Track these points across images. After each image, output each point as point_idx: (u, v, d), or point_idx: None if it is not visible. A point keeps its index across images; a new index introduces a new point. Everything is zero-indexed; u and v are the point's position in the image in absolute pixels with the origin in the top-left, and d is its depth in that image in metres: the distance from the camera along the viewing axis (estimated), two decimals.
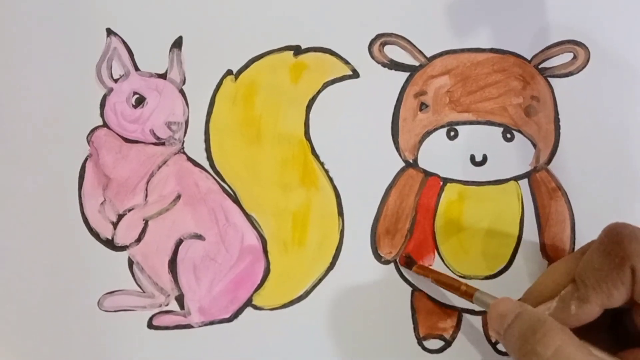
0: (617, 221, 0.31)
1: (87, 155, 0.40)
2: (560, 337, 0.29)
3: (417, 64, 0.40)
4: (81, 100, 0.40)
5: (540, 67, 0.40)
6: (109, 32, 0.40)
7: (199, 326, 0.39)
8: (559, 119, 0.39)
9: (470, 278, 0.39)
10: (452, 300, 0.39)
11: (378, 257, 0.39)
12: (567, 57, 0.39)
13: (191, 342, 0.39)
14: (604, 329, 0.33)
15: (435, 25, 0.40)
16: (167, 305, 0.39)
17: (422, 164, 0.39)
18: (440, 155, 0.39)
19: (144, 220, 0.39)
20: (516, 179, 0.39)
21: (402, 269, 0.39)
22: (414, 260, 0.39)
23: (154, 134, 0.40)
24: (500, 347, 0.39)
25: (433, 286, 0.39)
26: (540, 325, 0.30)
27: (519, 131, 0.39)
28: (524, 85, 0.39)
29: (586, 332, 0.31)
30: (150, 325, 0.39)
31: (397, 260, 0.39)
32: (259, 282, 0.39)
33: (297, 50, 0.40)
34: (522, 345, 0.30)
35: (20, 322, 0.39)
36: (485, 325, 0.39)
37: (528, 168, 0.39)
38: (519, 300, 0.33)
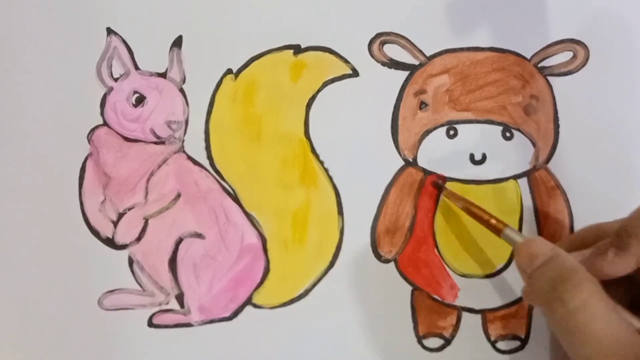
0: None
1: (88, 154, 0.40)
2: (589, 289, 0.28)
3: (416, 62, 0.40)
4: (81, 99, 0.40)
5: (539, 65, 0.40)
6: (109, 31, 0.40)
7: (199, 325, 0.39)
8: (558, 117, 0.39)
9: (469, 277, 0.39)
10: (452, 299, 0.39)
11: (378, 255, 0.39)
12: (566, 55, 0.40)
13: (191, 341, 0.39)
14: (628, 293, 0.32)
15: (435, 24, 0.40)
16: (167, 303, 0.39)
17: (421, 162, 0.39)
18: (439, 154, 0.39)
19: (144, 219, 0.40)
20: (515, 177, 0.39)
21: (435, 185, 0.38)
22: (443, 185, 0.38)
23: (154, 133, 0.40)
24: (499, 345, 0.39)
25: (432, 285, 0.39)
26: (572, 274, 0.29)
27: (519, 130, 0.39)
28: (523, 84, 0.39)
29: (612, 292, 0.30)
30: (150, 324, 0.39)
31: (432, 182, 0.38)
32: (258, 280, 0.39)
33: (297, 49, 0.40)
34: (549, 291, 0.29)
35: (21, 321, 0.39)
36: (485, 324, 0.39)
37: (527, 167, 0.39)
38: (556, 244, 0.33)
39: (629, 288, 0.32)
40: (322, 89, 0.40)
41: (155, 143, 0.40)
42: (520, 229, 0.39)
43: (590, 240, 0.32)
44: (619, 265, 0.30)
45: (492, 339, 0.39)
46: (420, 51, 0.40)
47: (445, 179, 0.39)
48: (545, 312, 0.30)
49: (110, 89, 0.40)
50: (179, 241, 0.39)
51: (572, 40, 0.40)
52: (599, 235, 0.33)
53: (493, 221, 0.35)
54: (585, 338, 0.28)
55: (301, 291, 0.39)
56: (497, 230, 0.35)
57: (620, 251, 0.30)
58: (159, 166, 0.40)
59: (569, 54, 0.40)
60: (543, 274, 0.30)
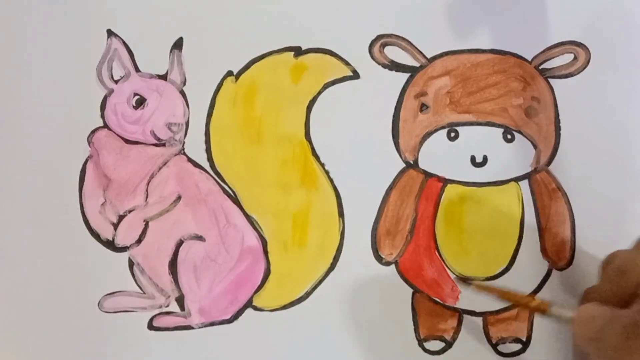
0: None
1: (88, 156, 0.40)
2: None
3: (417, 64, 0.40)
4: (82, 101, 0.40)
5: (540, 67, 0.39)
6: (110, 33, 0.40)
7: (199, 327, 0.39)
8: (559, 120, 0.39)
9: (471, 279, 0.39)
10: (453, 301, 0.39)
11: (379, 258, 0.39)
12: (567, 57, 0.39)
13: (191, 343, 0.39)
14: None
15: (436, 26, 0.40)
16: (167, 306, 0.39)
17: (422, 164, 0.39)
18: (440, 156, 0.39)
19: (144, 221, 0.39)
20: (516, 180, 0.39)
21: (460, 285, 0.39)
22: (467, 278, 0.39)
23: (155, 135, 0.40)
24: (500, 348, 0.39)
25: (433, 288, 0.39)
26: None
27: (520, 132, 0.39)
28: (524, 86, 0.39)
29: None
30: (150, 327, 0.39)
31: (455, 279, 0.39)
32: (259, 283, 0.39)
33: (298, 51, 0.40)
34: (627, 340, 0.29)
35: (21, 322, 0.39)
36: (486, 326, 0.39)
37: (528, 169, 0.39)
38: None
39: None
40: (322, 91, 0.40)
41: (156, 145, 0.40)
42: (521, 232, 0.39)
43: (615, 297, 0.32)
44: None
45: (494, 341, 0.39)
46: (421, 53, 0.40)
47: (446, 181, 0.39)
48: None
49: (111, 91, 0.40)
50: (180, 243, 0.39)
51: (573, 42, 0.39)
52: (622, 286, 0.33)
53: (534, 304, 0.35)
54: None
55: (302, 293, 0.39)
56: (541, 310, 0.35)
57: None
58: (160, 168, 0.40)
59: (570, 56, 0.39)
60: (613, 328, 0.30)
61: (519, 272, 0.39)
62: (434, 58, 0.40)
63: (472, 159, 0.39)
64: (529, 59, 0.39)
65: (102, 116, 0.40)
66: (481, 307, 0.39)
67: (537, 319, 0.39)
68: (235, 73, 0.40)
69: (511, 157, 0.39)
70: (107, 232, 0.39)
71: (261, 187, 0.39)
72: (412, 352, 0.39)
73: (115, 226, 0.39)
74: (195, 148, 0.40)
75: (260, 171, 0.40)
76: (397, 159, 0.39)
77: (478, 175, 0.39)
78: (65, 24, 0.40)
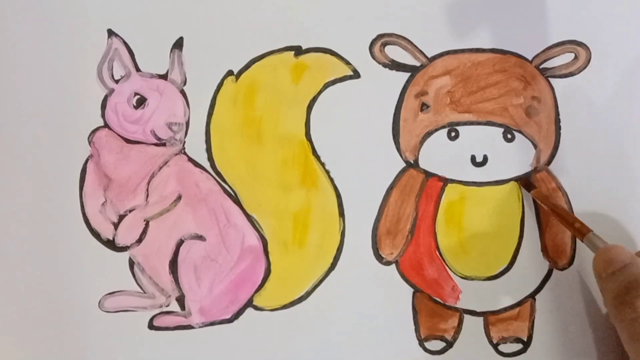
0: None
1: (88, 156, 0.40)
2: None
3: (418, 64, 0.40)
4: (82, 101, 0.40)
5: (541, 67, 0.39)
6: (110, 33, 0.40)
7: (200, 327, 0.39)
8: (559, 119, 0.39)
9: (471, 279, 0.39)
10: (454, 301, 0.39)
11: (379, 257, 0.39)
12: (568, 57, 0.39)
13: (192, 343, 0.39)
14: None
15: (436, 26, 0.40)
16: (167, 306, 0.39)
17: (423, 164, 0.39)
18: (441, 155, 0.39)
19: (144, 220, 0.39)
20: (517, 179, 0.39)
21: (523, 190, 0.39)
22: (533, 184, 0.39)
23: (155, 135, 0.40)
24: (501, 348, 0.39)
25: (433, 287, 0.39)
26: None
27: (520, 132, 0.39)
28: (524, 86, 0.39)
29: None
30: (150, 326, 0.39)
31: (523, 182, 0.39)
32: (259, 282, 0.39)
33: (298, 51, 0.40)
34: (621, 294, 0.30)
35: (21, 322, 0.39)
36: (486, 326, 0.39)
37: (528, 168, 0.39)
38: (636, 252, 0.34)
39: None
40: (323, 91, 0.40)
41: (156, 145, 0.40)
42: (521, 232, 0.39)
43: None
44: None
45: (494, 341, 0.39)
46: (422, 52, 0.40)
47: (446, 181, 0.39)
48: (613, 315, 0.32)
49: (111, 91, 0.40)
50: (180, 243, 0.39)
51: (573, 42, 0.39)
52: None
53: (578, 224, 0.36)
54: None
55: (302, 293, 0.39)
56: (580, 234, 0.35)
57: None
58: (160, 168, 0.40)
59: (571, 56, 0.39)
60: (618, 277, 0.31)
61: (519, 272, 0.39)
62: (435, 57, 0.40)
63: (473, 158, 0.39)
64: (530, 59, 0.39)
65: (103, 116, 0.40)
66: (482, 307, 0.39)
67: (538, 319, 0.39)
68: (235, 73, 0.40)
69: (511, 157, 0.39)
70: (107, 232, 0.39)
71: (261, 186, 0.39)
72: (412, 352, 0.39)
73: (116, 226, 0.39)
74: (195, 148, 0.40)
75: (261, 171, 0.40)
76: (398, 159, 0.39)
77: (478, 174, 0.39)
78: (66, 23, 0.40)
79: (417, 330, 0.39)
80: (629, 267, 0.31)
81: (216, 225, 0.39)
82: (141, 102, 0.40)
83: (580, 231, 0.35)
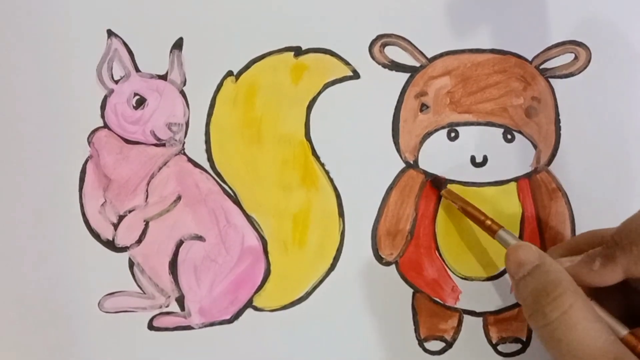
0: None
1: (88, 157, 0.40)
2: (570, 301, 0.28)
3: (417, 64, 0.40)
4: (82, 101, 0.40)
5: (541, 67, 0.39)
6: (110, 33, 0.40)
7: (200, 327, 0.39)
8: (559, 120, 0.39)
9: (471, 279, 0.39)
10: (453, 302, 0.39)
11: (379, 258, 0.39)
12: (568, 57, 0.39)
13: (191, 344, 0.39)
14: (620, 303, 0.32)
15: (436, 26, 0.40)
16: (167, 306, 0.39)
17: (422, 165, 0.39)
18: (440, 156, 0.39)
19: (144, 221, 0.39)
20: (517, 180, 0.39)
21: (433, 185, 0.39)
22: (443, 182, 0.38)
23: (155, 135, 0.40)
24: (501, 348, 0.39)
25: (433, 288, 0.39)
26: (554, 287, 0.29)
27: (520, 132, 0.39)
28: (524, 86, 0.39)
29: (605, 298, 0.30)
30: (150, 327, 0.39)
31: (429, 180, 0.38)
32: (259, 283, 0.39)
33: (298, 51, 0.40)
34: (532, 303, 0.29)
35: (21, 322, 0.39)
36: (486, 326, 0.39)
37: (528, 169, 0.39)
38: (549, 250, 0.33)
39: (626, 295, 0.32)
40: (322, 91, 0.40)
41: (156, 145, 0.40)
42: (521, 232, 0.39)
43: (585, 247, 0.32)
44: (605, 276, 0.30)
45: (494, 341, 0.39)
46: (421, 53, 0.39)
47: (446, 181, 0.39)
48: (529, 322, 0.31)
49: (111, 91, 0.40)
50: (180, 243, 0.39)
51: (573, 42, 0.39)
52: (595, 241, 0.33)
53: (488, 222, 0.35)
54: (563, 348, 0.28)
55: (302, 294, 0.39)
56: (491, 231, 0.35)
57: (607, 261, 0.30)
58: (160, 168, 0.40)
59: (571, 56, 0.39)
60: (527, 285, 0.30)
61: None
62: (434, 58, 0.40)
63: (472, 159, 0.39)
64: (530, 59, 0.39)
65: (102, 116, 0.40)
66: (481, 307, 0.39)
67: None
68: (235, 73, 0.40)
69: (511, 157, 0.39)
70: (107, 232, 0.39)
71: (261, 187, 0.39)
72: (412, 352, 0.39)
73: (116, 226, 0.39)
74: (195, 148, 0.40)
75: (261, 171, 0.39)
76: (397, 159, 0.39)
77: (478, 175, 0.39)
78: (66, 24, 0.40)
79: (416, 330, 0.39)
80: (536, 270, 0.30)
81: (216, 225, 0.39)
82: (141, 102, 0.40)
83: (491, 229, 0.35)
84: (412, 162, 0.39)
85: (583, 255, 0.31)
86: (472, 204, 0.37)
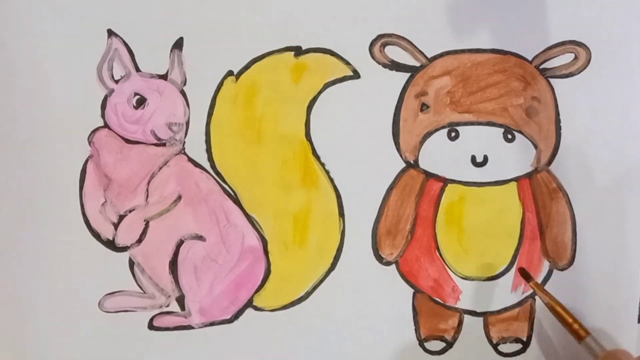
0: None
1: (88, 156, 0.40)
2: None
3: (418, 64, 0.40)
4: (82, 101, 0.40)
5: (541, 67, 0.39)
6: (110, 33, 0.40)
7: (200, 327, 0.39)
8: (559, 119, 0.39)
9: (471, 279, 0.39)
10: (454, 302, 0.39)
11: (379, 258, 0.39)
12: (568, 57, 0.39)
13: (192, 343, 0.39)
14: None
15: (436, 26, 0.40)
16: (167, 306, 0.39)
17: (423, 164, 0.39)
18: (441, 156, 0.39)
19: (144, 221, 0.39)
20: (517, 179, 0.39)
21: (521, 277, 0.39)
22: (530, 275, 0.38)
23: (155, 135, 0.40)
24: (501, 348, 0.39)
25: (433, 288, 0.39)
26: None
27: (520, 132, 0.39)
28: (524, 86, 0.39)
29: None
30: (150, 326, 0.39)
31: (521, 271, 0.38)
32: (259, 283, 0.39)
33: (298, 51, 0.40)
34: None
35: (21, 322, 0.39)
36: (486, 326, 0.39)
37: (529, 169, 0.39)
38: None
39: None
40: (323, 91, 0.40)
41: (156, 145, 0.40)
42: (522, 232, 0.39)
43: None
44: None
45: (494, 341, 0.39)
46: (422, 53, 0.39)
47: (446, 181, 0.39)
48: None
49: (111, 91, 0.40)
50: (180, 243, 0.39)
51: (573, 42, 0.39)
52: None
53: (576, 326, 0.35)
54: None
55: (302, 293, 0.39)
56: (578, 336, 0.35)
57: None
58: (160, 168, 0.40)
59: (571, 56, 0.39)
60: None
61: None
62: (435, 58, 0.40)
63: (473, 158, 0.39)
64: (530, 59, 0.39)
65: (103, 116, 0.40)
66: (482, 307, 0.39)
67: (538, 319, 0.39)
68: (235, 73, 0.40)
69: (512, 157, 0.39)
70: (107, 232, 0.39)
71: (261, 186, 0.39)
72: (412, 352, 0.39)
73: (116, 226, 0.39)
74: (195, 148, 0.40)
75: (261, 171, 0.39)
76: (398, 159, 0.39)
77: (478, 175, 0.39)
78: (66, 23, 0.40)
79: (417, 330, 0.39)
80: None
81: (216, 225, 0.39)
82: (141, 102, 0.40)
83: (578, 334, 0.35)
84: (412, 161, 0.39)
85: None
86: (562, 304, 0.36)
